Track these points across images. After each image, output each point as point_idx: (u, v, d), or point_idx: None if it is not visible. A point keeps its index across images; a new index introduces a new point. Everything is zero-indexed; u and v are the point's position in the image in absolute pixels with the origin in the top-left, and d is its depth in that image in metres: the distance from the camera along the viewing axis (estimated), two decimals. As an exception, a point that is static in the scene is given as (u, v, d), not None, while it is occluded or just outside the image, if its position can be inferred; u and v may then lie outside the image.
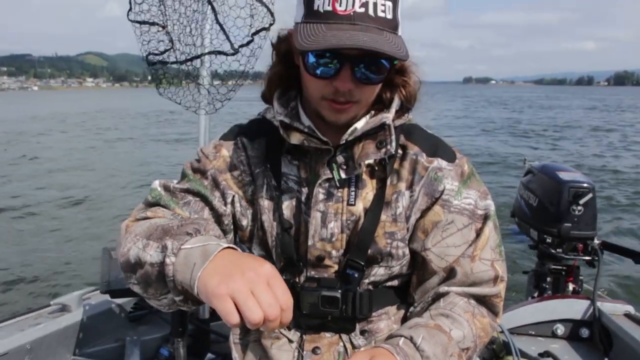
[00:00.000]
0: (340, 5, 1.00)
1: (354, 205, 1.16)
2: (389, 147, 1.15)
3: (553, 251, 2.61)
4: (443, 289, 1.18)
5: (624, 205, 9.17)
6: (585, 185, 2.57)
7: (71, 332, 2.02)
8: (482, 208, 1.19)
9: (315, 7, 1.02)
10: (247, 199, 1.23)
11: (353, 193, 1.16)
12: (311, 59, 1.06)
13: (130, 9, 2.02)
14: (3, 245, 7.28)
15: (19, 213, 9.16)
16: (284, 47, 1.19)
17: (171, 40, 1.99)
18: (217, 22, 1.93)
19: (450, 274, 1.18)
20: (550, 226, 2.61)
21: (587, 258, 2.59)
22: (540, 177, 2.78)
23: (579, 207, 2.55)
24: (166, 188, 1.20)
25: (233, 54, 2.00)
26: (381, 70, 1.07)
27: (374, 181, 1.18)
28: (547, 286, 2.69)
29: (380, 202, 1.16)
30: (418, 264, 1.21)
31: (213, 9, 1.93)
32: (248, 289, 0.82)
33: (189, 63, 2.16)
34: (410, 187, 1.18)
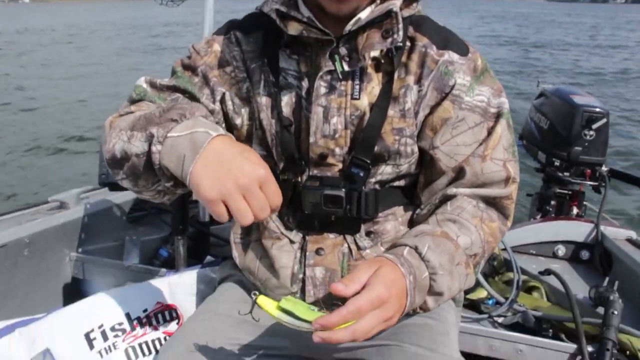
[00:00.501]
0: None
1: (359, 99, 1.10)
2: (395, 36, 1.06)
3: (560, 175, 2.58)
4: (451, 190, 1.13)
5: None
6: (599, 110, 2.51)
7: (70, 229, 2.00)
8: (495, 106, 1.13)
9: None
10: (241, 97, 1.16)
11: (357, 86, 1.10)
12: None
13: None
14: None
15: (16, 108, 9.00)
16: None
17: None
18: None
19: (459, 174, 1.12)
20: (560, 149, 2.56)
21: (593, 183, 2.56)
22: (553, 100, 2.71)
23: (591, 132, 2.49)
24: (152, 84, 1.14)
25: None
26: None
27: (380, 75, 1.11)
28: (551, 209, 2.68)
29: (387, 96, 1.10)
30: (426, 163, 1.16)
31: None
32: (240, 195, 0.85)
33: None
34: (418, 81, 1.11)
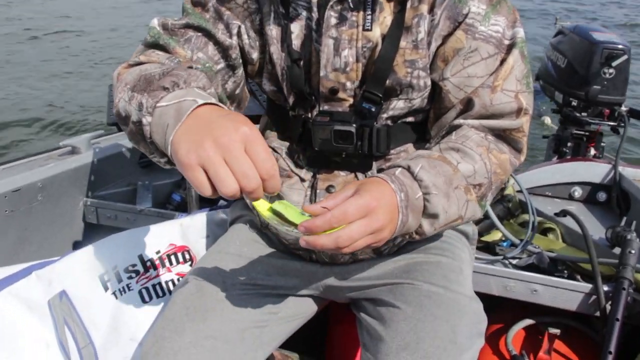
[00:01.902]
0: None
1: (371, 30, 1.05)
2: None
3: (577, 115, 2.52)
4: (458, 121, 1.09)
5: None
6: (620, 46, 2.42)
7: (82, 174, 2.00)
8: (510, 37, 1.07)
9: None
10: (255, 29, 1.12)
11: (369, 17, 1.05)
12: None
13: None
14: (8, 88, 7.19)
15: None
16: None
17: None
18: None
19: (467, 105, 1.08)
20: (578, 89, 2.50)
21: (612, 124, 2.50)
22: (572, 38, 2.62)
23: (611, 70, 2.42)
24: (164, 26, 1.09)
25: None
26: None
27: (392, 4, 1.06)
28: (568, 151, 2.63)
29: (399, 26, 1.05)
30: (436, 96, 1.12)
31: None
32: (220, 157, 0.73)
33: None
34: (431, 9, 1.06)
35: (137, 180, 2.15)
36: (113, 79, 1.06)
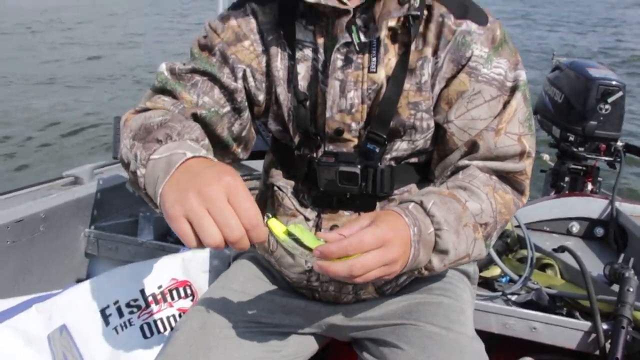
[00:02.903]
0: None
1: (376, 72, 1.07)
2: (412, 1, 1.04)
3: (574, 150, 2.56)
4: (463, 162, 1.10)
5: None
6: (615, 83, 2.46)
7: (84, 205, 2.01)
8: (512, 79, 1.09)
9: None
10: (261, 71, 1.14)
11: (374, 59, 1.07)
12: None
13: None
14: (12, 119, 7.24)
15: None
16: None
17: None
18: None
19: (472, 148, 1.10)
20: (574, 124, 2.52)
21: (608, 159, 2.53)
22: (569, 73, 2.66)
23: (607, 106, 2.45)
24: (172, 71, 1.11)
25: None
26: None
27: (397, 46, 1.08)
28: (565, 185, 2.65)
29: (403, 69, 1.07)
30: (440, 138, 1.14)
31: None
32: (203, 208, 0.75)
33: None
34: (435, 52, 1.08)
35: (139, 212, 2.15)
36: (120, 125, 1.08)
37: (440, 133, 1.13)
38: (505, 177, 1.12)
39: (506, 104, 1.09)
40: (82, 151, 6.18)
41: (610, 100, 2.44)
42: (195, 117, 1.07)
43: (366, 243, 0.83)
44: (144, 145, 0.90)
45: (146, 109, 1.07)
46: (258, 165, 1.36)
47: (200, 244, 0.76)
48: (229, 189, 0.77)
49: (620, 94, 2.44)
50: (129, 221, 2.14)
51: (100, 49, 14.67)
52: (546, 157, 2.78)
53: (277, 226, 0.86)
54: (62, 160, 5.83)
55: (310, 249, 0.84)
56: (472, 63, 1.07)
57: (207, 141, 0.98)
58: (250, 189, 2.15)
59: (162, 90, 1.10)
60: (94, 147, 6.42)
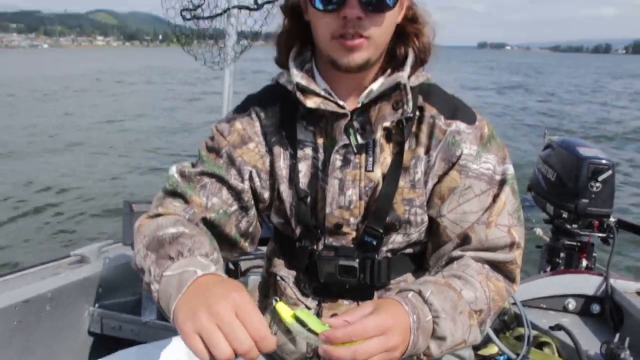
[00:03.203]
0: None
1: (372, 171, 1.15)
2: (405, 107, 1.12)
3: (568, 226, 2.61)
4: (457, 252, 1.16)
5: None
6: (604, 161, 2.55)
7: (90, 284, 2.06)
8: (500, 173, 1.17)
9: None
10: (266, 170, 1.21)
11: (371, 159, 1.15)
12: None
13: None
14: (23, 197, 7.40)
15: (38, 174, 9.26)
16: (290, 3, 1.17)
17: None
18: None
19: (464, 240, 1.16)
20: (567, 201, 2.60)
21: (602, 235, 2.58)
22: (560, 152, 2.76)
23: (597, 184, 2.53)
24: (182, 174, 1.19)
25: (256, 9, 2.02)
26: None
27: (392, 145, 1.16)
28: (560, 261, 2.69)
29: (398, 167, 1.15)
30: (433, 231, 1.20)
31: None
32: (213, 324, 0.80)
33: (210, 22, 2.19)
34: (427, 151, 1.16)
35: (143, 290, 2.19)
36: (134, 229, 1.14)
37: (434, 226, 1.20)
38: (497, 267, 1.17)
39: (496, 197, 1.16)
40: (92, 226, 6.31)
41: (600, 178, 2.52)
42: (205, 221, 1.14)
43: (369, 330, 0.88)
44: (157, 260, 0.96)
45: (158, 215, 1.13)
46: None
47: (213, 357, 0.80)
48: (237, 305, 0.81)
49: (610, 172, 2.53)
50: (133, 299, 2.18)
51: (108, 119, 15.13)
52: (539, 231, 2.84)
53: (284, 310, 0.91)
54: (73, 233, 5.97)
55: (316, 333, 0.88)
56: (462, 161, 1.15)
57: (216, 255, 1.03)
58: (255, 267, 2.21)
59: (173, 193, 1.17)
60: (104, 218, 6.54)
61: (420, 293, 1.02)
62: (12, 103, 18.69)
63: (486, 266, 1.16)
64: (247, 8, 2.07)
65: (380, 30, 1.07)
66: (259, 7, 2.06)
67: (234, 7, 2.09)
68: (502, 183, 1.17)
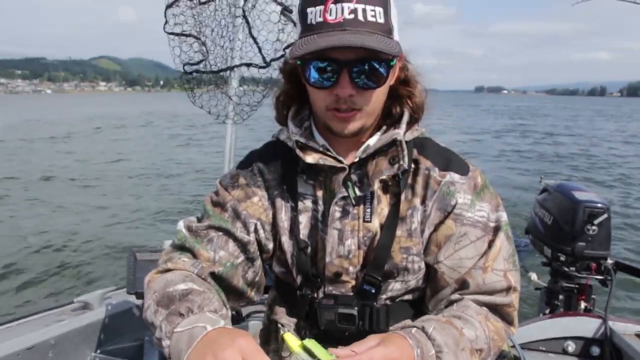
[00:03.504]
0: (330, 15, 1.06)
1: (370, 221, 1.20)
2: (401, 162, 1.18)
3: (566, 269, 2.64)
4: (456, 296, 1.20)
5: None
6: (600, 205, 2.60)
7: (92, 330, 2.08)
8: (494, 220, 1.22)
9: (309, 22, 1.08)
10: (269, 222, 1.26)
11: (369, 210, 1.20)
12: (312, 71, 1.11)
13: (166, 22, 2.10)
14: (26, 244, 7.46)
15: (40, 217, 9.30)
16: (289, 67, 1.24)
17: (205, 52, 2.07)
18: (251, 35, 2.00)
19: (462, 285, 1.20)
20: (564, 244, 2.63)
21: (599, 277, 2.61)
22: (556, 196, 2.81)
23: (594, 227, 2.57)
24: (189, 229, 1.24)
25: (264, 67, 2.08)
26: (378, 75, 1.11)
27: (388, 196, 1.21)
28: (559, 304, 2.71)
29: (395, 217, 1.20)
30: (431, 276, 1.24)
31: (247, 23, 2.01)
32: None
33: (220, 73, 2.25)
34: (423, 202, 1.21)
35: (144, 335, 2.21)
36: (144, 284, 1.19)
37: (431, 272, 1.23)
38: (495, 309, 1.21)
39: (491, 243, 1.20)
40: (94, 270, 6.35)
41: (596, 221, 2.56)
42: (213, 275, 1.18)
43: (377, 357, 0.93)
44: (167, 317, 1.01)
45: (168, 270, 1.18)
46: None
47: None
48: (243, 350, 0.87)
49: (605, 215, 2.57)
50: (135, 345, 2.20)
51: (110, 161, 15.33)
52: (534, 276, 2.85)
53: (292, 340, 0.96)
54: (76, 278, 6.00)
55: None
56: (457, 210, 1.19)
57: (224, 310, 1.09)
58: (255, 313, 2.23)
59: (182, 248, 1.22)
60: (107, 262, 6.61)
61: (423, 329, 1.05)
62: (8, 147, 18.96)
63: (484, 308, 1.19)
64: (256, 66, 2.12)
65: (371, 103, 1.13)
66: (267, 65, 2.11)
67: (241, 64, 2.14)
68: (497, 229, 1.21)
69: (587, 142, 23.59)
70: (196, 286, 1.10)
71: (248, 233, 1.23)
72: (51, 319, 2.00)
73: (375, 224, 1.20)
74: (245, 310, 2.33)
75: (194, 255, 1.20)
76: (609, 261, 2.62)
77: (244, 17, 2.01)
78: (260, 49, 2.05)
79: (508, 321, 1.22)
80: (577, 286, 2.70)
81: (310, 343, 0.96)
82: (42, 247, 7.27)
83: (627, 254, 6.93)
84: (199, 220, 1.26)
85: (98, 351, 2.09)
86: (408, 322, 1.26)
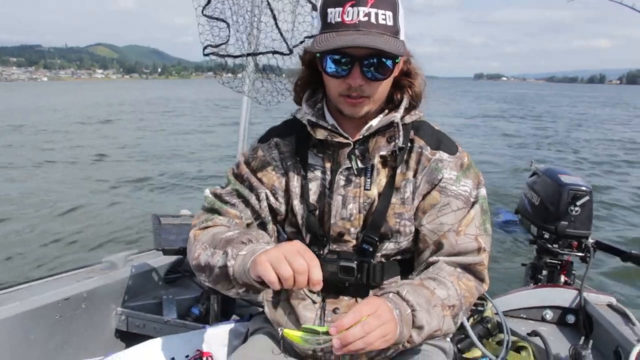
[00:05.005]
0: (347, 16, 1.26)
1: (370, 190, 1.41)
2: (397, 141, 1.39)
3: (550, 246, 2.84)
4: (433, 258, 1.40)
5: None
6: (583, 188, 2.79)
7: (117, 287, 2.31)
8: (475, 196, 1.42)
9: (329, 20, 1.29)
10: (282, 189, 1.48)
11: (369, 180, 1.41)
12: (328, 62, 1.32)
13: (207, 4, 2.27)
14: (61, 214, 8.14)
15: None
16: (308, 57, 1.45)
17: (229, 37, 2.25)
18: (276, 25, 2.19)
19: (438, 246, 1.40)
20: (549, 223, 2.83)
21: (580, 254, 2.81)
22: (544, 179, 3.01)
23: (576, 208, 2.76)
24: (215, 194, 1.49)
25: (288, 54, 2.26)
26: (385, 69, 1.31)
27: (387, 170, 1.42)
28: (543, 278, 2.91)
29: (391, 187, 1.41)
30: (417, 238, 1.45)
31: (273, 15, 2.19)
32: (282, 255, 1.12)
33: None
34: (415, 175, 1.42)
35: (163, 294, 2.44)
36: (190, 239, 1.42)
37: (417, 235, 1.44)
38: (467, 268, 1.41)
39: (467, 213, 1.41)
40: (119, 237, 6.92)
41: (579, 203, 2.76)
42: None
43: (365, 310, 1.13)
44: (232, 246, 1.25)
45: (208, 227, 1.41)
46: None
47: (279, 283, 1.11)
48: (299, 247, 1.15)
49: (587, 198, 2.77)
50: (154, 302, 2.43)
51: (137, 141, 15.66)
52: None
53: (292, 332, 1.17)
54: (103, 245, 6.60)
55: (326, 332, 1.12)
56: (443, 183, 1.41)
57: (273, 243, 1.33)
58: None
59: (212, 210, 1.46)
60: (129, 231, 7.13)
61: (398, 293, 1.26)
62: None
63: (458, 269, 1.40)
64: (281, 53, 2.28)
65: (378, 92, 1.35)
66: (290, 52, 2.27)
67: (267, 52, 2.30)
68: (474, 203, 1.42)
69: (572, 125, 23.83)
70: (247, 230, 1.35)
71: (259, 202, 1.45)
72: (82, 275, 2.23)
73: (374, 192, 1.41)
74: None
75: (223, 215, 1.44)
76: (590, 240, 2.81)
77: (270, 9, 2.18)
78: (284, 38, 2.21)
79: (480, 279, 1.42)
80: (559, 262, 2.89)
81: (309, 326, 1.16)
82: (74, 213, 8.12)
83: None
84: (222, 188, 1.50)
85: (122, 306, 2.32)
86: (399, 279, 1.48)
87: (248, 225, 1.44)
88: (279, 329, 1.18)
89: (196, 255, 1.35)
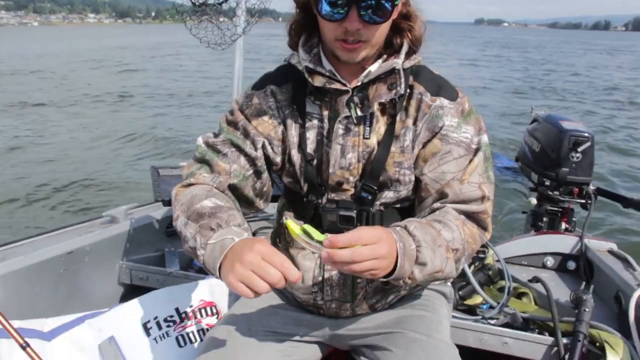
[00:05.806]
0: None
1: (369, 138, 1.37)
2: (398, 88, 1.34)
3: (551, 193, 2.85)
4: (437, 204, 1.38)
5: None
6: (585, 134, 2.78)
7: (119, 241, 2.31)
8: (476, 142, 1.39)
9: None
10: (278, 138, 1.43)
11: (368, 128, 1.37)
12: (324, 4, 1.25)
13: None
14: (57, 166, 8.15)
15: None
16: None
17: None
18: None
19: (442, 195, 1.37)
20: (550, 170, 2.83)
21: (581, 201, 2.82)
22: (545, 125, 2.99)
23: (578, 155, 2.76)
24: (207, 143, 1.43)
25: None
26: (384, 11, 1.25)
27: (386, 117, 1.38)
28: (543, 225, 2.93)
29: (390, 136, 1.37)
30: (417, 187, 1.42)
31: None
32: (248, 270, 1.07)
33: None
34: (415, 122, 1.38)
35: (164, 247, 2.45)
36: (172, 196, 1.39)
37: (417, 184, 1.42)
38: (471, 217, 1.39)
39: (470, 161, 1.38)
40: (119, 191, 6.95)
41: (580, 149, 2.75)
42: (230, 187, 1.38)
43: (364, 238, 1.10)
44: (200, 231, 1.21)
45: (191, 184, 1.37)
46: (271, 206, 1.64)
47: (255, 294, 1.07)
48: (262, 252, 1.07)
49: (588, 143, 2.76)
50: (156, 255, 2.44)
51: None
52: (533, 200, 3.05)
53: (293, 225, 1.15)
54: (104, 198, 6.65)
55: (320, 242, 1.11)
56: (444, 131, 1.37)
57: (246, 224, 1.28)
58: (262, 228, 2.48)
59: (202, 160, 1.41)
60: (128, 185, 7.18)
61: (405, 227, 1.23)
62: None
63: (462, 216, 1.38)
64: None
65: (376, 36, 1.29)
66: None
67: None
68: (477, 150, 1.39)
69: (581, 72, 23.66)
70: (220, 202, 1.29)
71: (256, 149, 1.40)
72: (84, 230, 2.23)
73: (373, 141, 1.37)
74: (253, 226, 2.56)
75: (212, 167, 1.39)
76: (591, 187, 2.82)
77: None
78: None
79: (483, 227, 1.40)
80: (560, 209, 2.91)
81: (309, 228, 1.13)
82: (71, 169, 8.02)
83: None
84: (216, 136, 1.45)
85: (125, 259, 2.33)
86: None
87: (231, 186, 1.39)
88: (284, 217, 1.16)
89: (175, 216, 1.33)
